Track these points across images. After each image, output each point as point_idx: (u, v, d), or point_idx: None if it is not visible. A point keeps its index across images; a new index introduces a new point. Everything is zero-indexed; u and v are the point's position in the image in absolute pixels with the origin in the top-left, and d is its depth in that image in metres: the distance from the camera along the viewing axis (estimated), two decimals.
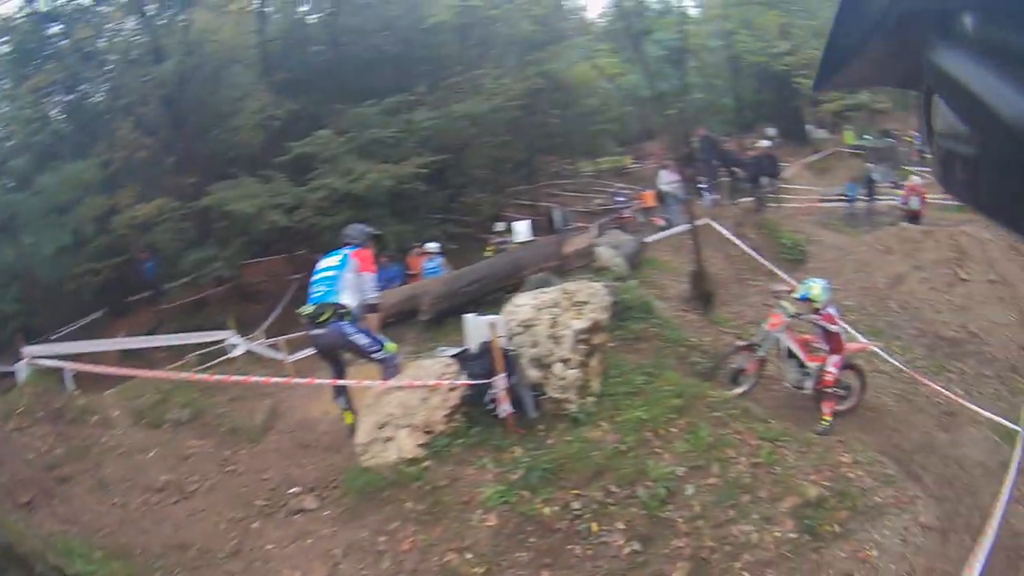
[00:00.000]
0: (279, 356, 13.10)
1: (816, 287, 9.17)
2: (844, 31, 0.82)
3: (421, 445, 6.50)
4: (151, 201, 21.40)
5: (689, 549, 5.99)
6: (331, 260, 7.21)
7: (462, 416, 6.81)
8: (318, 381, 8.20)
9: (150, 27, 22.98)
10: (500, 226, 17.16)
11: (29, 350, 10.75)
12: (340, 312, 6.97)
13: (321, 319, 6.95)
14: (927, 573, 6.30)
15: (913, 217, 20.65)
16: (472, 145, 26.35)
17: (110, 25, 24.46)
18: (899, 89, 1.00)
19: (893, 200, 23.97)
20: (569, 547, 5.83)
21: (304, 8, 28.33)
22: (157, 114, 24.15)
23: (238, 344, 12.57)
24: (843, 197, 26.24)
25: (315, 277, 7.18)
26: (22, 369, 10.44)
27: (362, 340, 7.11)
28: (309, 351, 12.24)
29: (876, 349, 11.93)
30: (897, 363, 11.84)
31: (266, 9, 25.61)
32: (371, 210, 20.08)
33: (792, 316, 9.24)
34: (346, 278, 7.02)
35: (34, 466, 7.18)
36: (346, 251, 7.21)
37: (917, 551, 6.48)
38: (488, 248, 18.81)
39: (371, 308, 7.26)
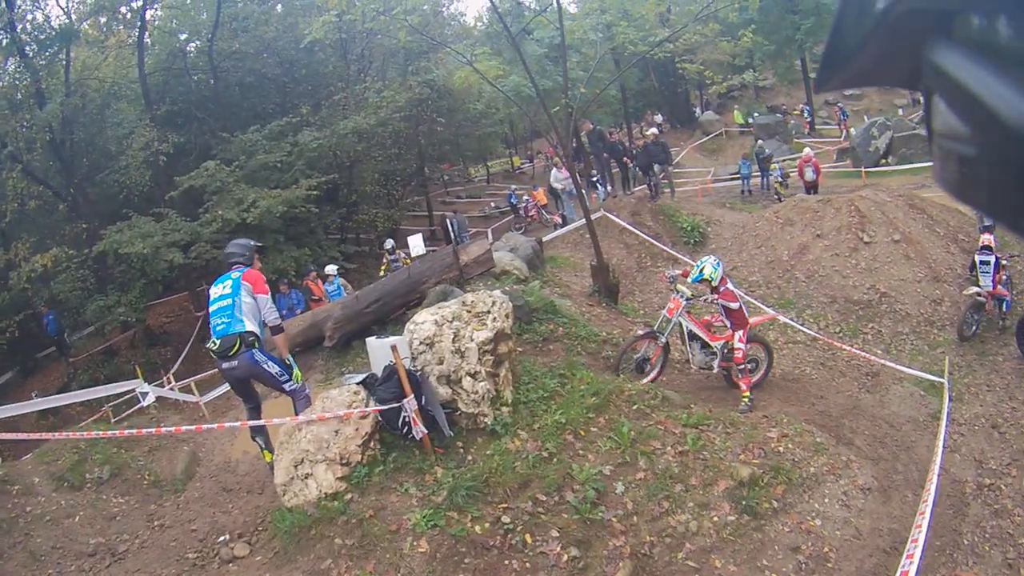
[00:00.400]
0: (192, 399, 12.68)
1: (707, 266, 9.19)
2: (844, 31, 0.79)
3: (340, 478, 6.25)
4: (47, 252, 20.45)
5: (628, 547, 5.92)
6: (222, 287, 6.85)
7: (377, 443, 6.57)
8: (228, 424, 7.96)
9: (31, 68, 22.07)
10: (389, 243, 16.83)
11: None
12: (248, 340, 6.71)
13: (231, 352, 6.66)
14: (874, 533, 6.42)
15: (810, 188, 21.24)
16: (361, 161, 26.43)
17: None
18: (900, 89, 1.00)
19: (776, 175, 24.77)
20: (506, 562, 5.67)
21: (183, 37, 27.85)
22: (45, 160, 23.43)
23: (148, 392, 12.08)
24: (736, 176, 27.00)
25: (212, 308, 6.83)
26: None
27: (273, 368, 6.88)
28: (221, 389, 12.00)
29: (786, 320, 12.16)
30: (811, 332, 12.11)
31: (145, 40, 24.99)
32: (265, 237, 19.85)
33: (689, 299, 9.30)
34: (244, 303, 6.72)
35: None
36: (235, 274, 6.88)
37: (860, 513, 6.61)
38: (382, 267, 18.43)
39: (276, 330, 7.00)
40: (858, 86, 0.89)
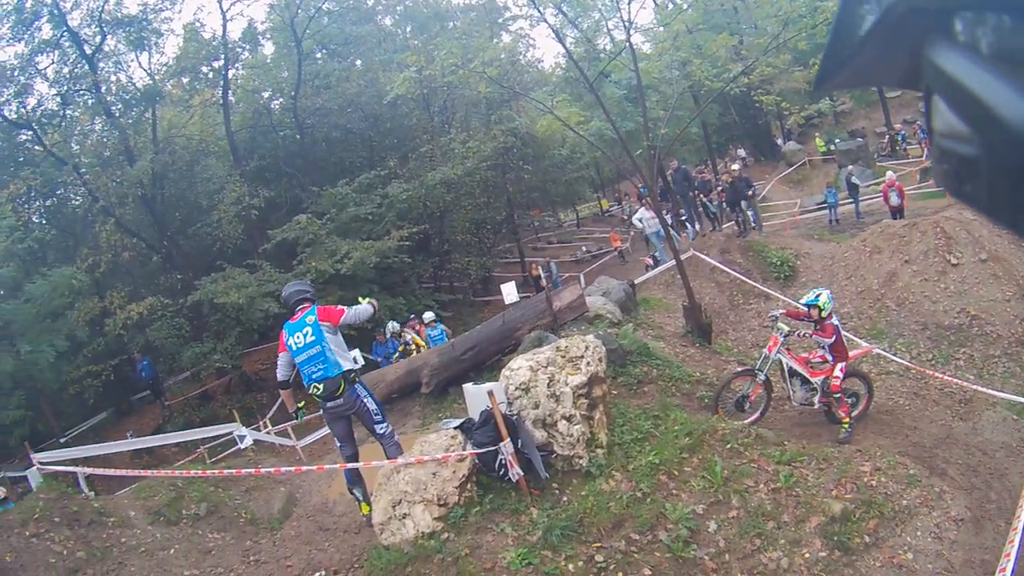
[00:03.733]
0: (289, 442, 13.04)
1: (824, 295, 9.22)
2: (844, 31, 0.83)
3: (437, 518, 6.42)
4: (142, 300, 21.41)
5: None
6: (303, 336, 6.92)
7: (474, 485, 6.73)
8: (327, 467, 8.17)
9: (118, 127, 23.32)
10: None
11: (39, 456, 10.71)
12: (350, 378, 6.94)
13: (337, 393, 6.88)
14: (966, 566, 6.27)
15: (895, 212, 20.71)
16: (451, 210, 26.73)
17: (79, 128, 24.91)
18: (900, 89, 1.01)
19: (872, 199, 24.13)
20: None
21: (266, 95, 28.77)
22: (137, 214, 24.49)
23: (245, 435, 12.51)
24: (823, 205, 26.35)
25: (300, 359, 6.94)
26: (33, 476, 10.41)
27: (371, 405, 7.11)
28: (318, 434, 12.29)
29: (880, 351, 11.91)
30: (903, 361, 11.84)
31: (229, 99, 26.04)
32: (360, 287, 20.24)
33: (787, 335, 9.23)
34: (331, 344, 6.89)
35: (56, 570, 7.12)
36: (309, 319, 6.95)
37: (952, 545, 6.46)
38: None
39: (371, 318, 7.25)
40: (858, 86, 0.94)
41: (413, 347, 14.57)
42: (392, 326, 15.79)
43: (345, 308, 7.10)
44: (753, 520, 6.51)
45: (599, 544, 6.11)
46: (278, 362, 7.33)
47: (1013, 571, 5.55)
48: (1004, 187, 0.66)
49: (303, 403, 7.73)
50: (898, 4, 0.75)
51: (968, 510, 6.98)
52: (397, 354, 14.62)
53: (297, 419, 7.82)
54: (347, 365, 6.94)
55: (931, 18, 0.72)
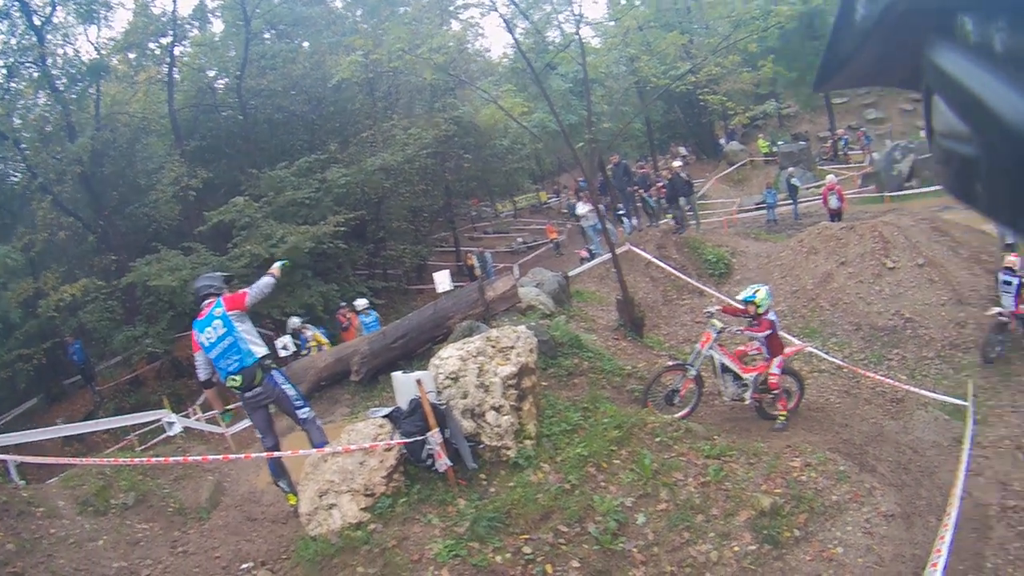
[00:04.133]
0: (218, 430, 12.78)
1: (761, 291, 9.30)
2: (844, 31, 0.81)
3: (364, 509, 6.32)
4: (76, 282, 20.84)
5: None
6: (214, 331, 6.74)
7: (402, 475, 6.64)
8: (255, 455, 8.00)
9: (62, 102, 22.64)
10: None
11: None
12: (266, 365, 6.82)
13: (255, 382, 6.76)
14: (896, 560, 6.35)
15: (834, 215, 21.11)
16: (389, 197, 26.65)
17: (23, 102, 24.12)
18: (900, 89, 1.05)
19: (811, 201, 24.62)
20: None
21: (211, 73, 28.33)
22: (75, 192, 23.84)
23: (174, 422, 12.21)
24: (762, 205, 26.81)
25: (214, 354, 6.76)
26: None
27: (291, 391, 6.98)
28: (247, 422, 12.04)
29: (812, 349, 12.11)
30: (836, 360, 12.03)
31: (174, 76, 25.50)
32: (294, 273, 20.16)
33: (720, 331, 9.28)
34: (243, 333, 6.74)
35: None
36: (217, 311, 6.76)
37: (883, 540, 6.55)
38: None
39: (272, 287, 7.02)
40: (857, 86, 0.91)
41: (314, 343, 14.27)
42: (293, 322, 15.54)
43: (247, 289, 6.89)
44: (682, 513, 6.53)
45: (527, 536, 6.06)
46: (196, 362, 7.13)
47: (945, 565, 5.65)
48: (1004, 187, 0.66)
49: (231, 407, 7.55)
50: (898, 4, 0.74)
51: (898, 506, 7.10)
52: (306, 350, 14.34)
53: (223, 422, 7.62)
54: (260, 352, 6.81)
55: (931, 18, 0.71)
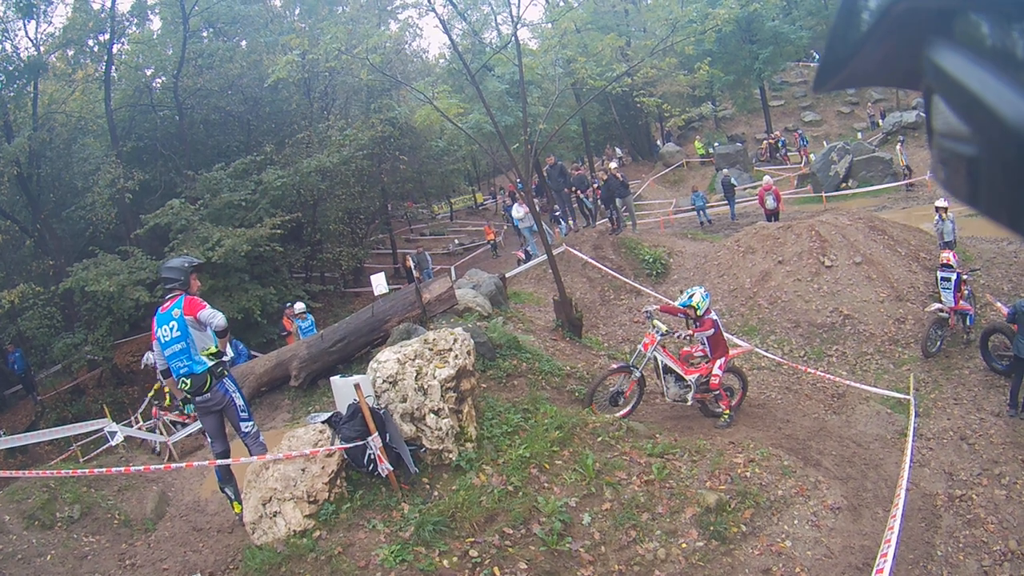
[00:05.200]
0: (160, 439, 12.54)
1: (698, 295, 9.36)
2: (844, 31, 0.80)
3: (308, 516, 6.26)
4: (14, 288, 20.17)
5: None
6: (169, 330, 6.64)
7: (344, 481, 6.59)
8: (197, 464, 7.90)
9: None
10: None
11: None
12: (217, 373, 6.71)
13: (204, 389, 6.65)
14: (845, 551, 6.50)
15: (771, 215, 21.45)
16: (325, 199, 26.47)
17: None
18: (900, 88, 1.03)
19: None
20: None
21: (149, 72, 27.83)
22: (12, 194, 23.25)
23: (116, 431, 11.94)
24: (692, 207, 27.07)
25: (167, 352, 6.66)
26: None
27: (239, 401, 6.89)
28: (189, 429, 11.92)
29: (756, 349, 12.29)
30: (776, 357, 12.24)
31: (112, 75, 25.03)
32: (231, 277, 19.94)
33: (664, 334, 9.39)
34: (195, 338, 6.63)
35: None
36: (175, 312, 6.65)
37: (831, 532, 6.70)
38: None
39: (223, 332, 6.81)
40: (856, 86, 0.92)
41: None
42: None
43: (206, 305, 6.76)
44: (627, 512, 6.58)
45: (472, 539, 6.06)
46: (153, 350, 7.01)
47: (895, 555, 5.78)
48: (1004, 187, 0.66)
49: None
50: (898, 4, 0.73)
51: (845, 498, 7.27)
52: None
53: (184, 411, 7.47)
54: (212, 360, 6.70)
55: (932, 18, 0.71)
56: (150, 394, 14.67)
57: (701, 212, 25.73)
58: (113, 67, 25.32)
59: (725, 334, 9.87)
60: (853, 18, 0.79)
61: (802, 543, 6.52)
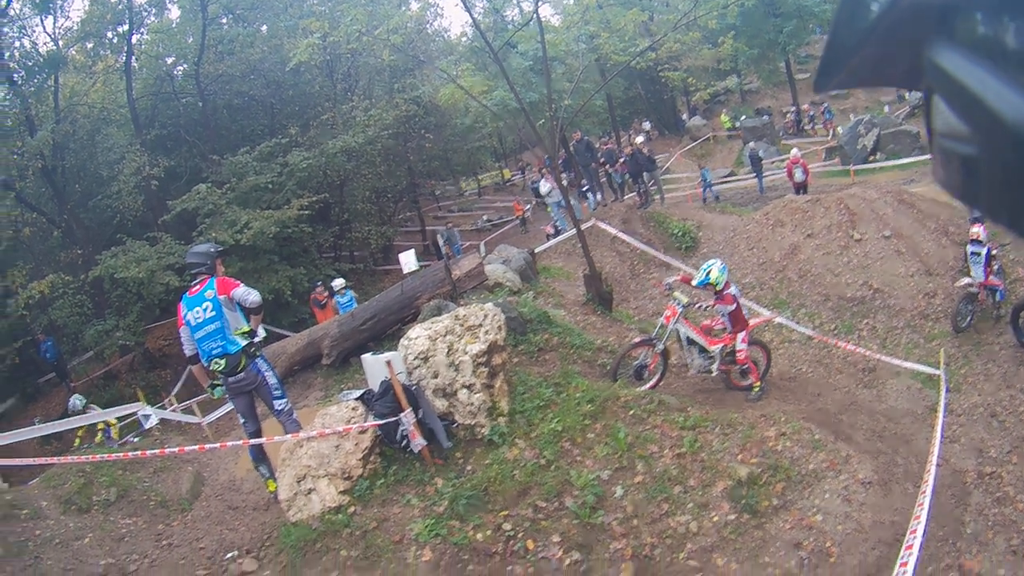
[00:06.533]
0: (194, 420, 12.69)
1: (715, 269, 9.17)
2: (844, 31, 0.81)
3: (343, 492, 6.33)
4: (44, 278, 20.47)
5: (630, 549, 5.97)
6: (202, 312, 6.75)
7: (378, 457, 6.65)
8: (231, 443, 7.98)
9: (20, 96, 22.18)
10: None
11: None
12: (251, 352, 6.81)
13: (239, 368, 6.75)
14: (876, 526, 6.46)
15: (799, 188, 21.23)
16: (352, 179, 26.52)
17: None
18: (901, 89, 1.03)
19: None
20: (509, 568, 5.74)
21: (169, 60, 27.90)
22: (37, 187, 23.47)
23: (150, 415, 12.11)
24: (727, 179, 26.64)
25: (198, 334, 6.77)
26: None
27: (272, 380, 6.98)
28: (223, 410, 12.02)
29: (782, 320, 12.19)
30: (806, 330, 12.14)
31: (132, 65, 25.12)
32: (260, 259, 20.05)
33: (686, 306, 9.29)
34: (228, 319, 6.72)
35: None
36: (208, 293, 6.76)
37: (862, 507, 6.65)
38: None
39: (257, 310, 6.96)
40: (856, 87, 0.91)
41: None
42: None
43: (240, 283, 6.86)
44: (659, 485, 6.57)
45: (506, 512, 6.10)
46: (181, 337, 7.08)
47: (925, 531, 5.74)
48: (1004, 187, 0.66)
49: (219, 381, 7.48)
50: (898, 3, 0.73)
51: (875, 473, 7.20)
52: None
53: (213, 396, 7.55)
54: (245, 340, 6.79)
55: (932, 18, 0.70)
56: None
57: (708, 188, 25.48)
58: (133, 57, 25.34)
59: (750, 304, 9.77)
60: (853, 18, 0.79)
61: (833, 517, 6.49)
